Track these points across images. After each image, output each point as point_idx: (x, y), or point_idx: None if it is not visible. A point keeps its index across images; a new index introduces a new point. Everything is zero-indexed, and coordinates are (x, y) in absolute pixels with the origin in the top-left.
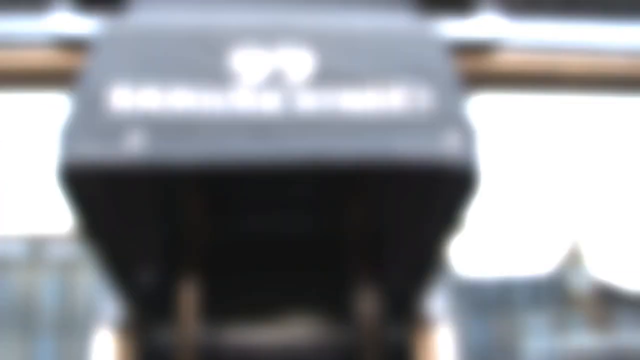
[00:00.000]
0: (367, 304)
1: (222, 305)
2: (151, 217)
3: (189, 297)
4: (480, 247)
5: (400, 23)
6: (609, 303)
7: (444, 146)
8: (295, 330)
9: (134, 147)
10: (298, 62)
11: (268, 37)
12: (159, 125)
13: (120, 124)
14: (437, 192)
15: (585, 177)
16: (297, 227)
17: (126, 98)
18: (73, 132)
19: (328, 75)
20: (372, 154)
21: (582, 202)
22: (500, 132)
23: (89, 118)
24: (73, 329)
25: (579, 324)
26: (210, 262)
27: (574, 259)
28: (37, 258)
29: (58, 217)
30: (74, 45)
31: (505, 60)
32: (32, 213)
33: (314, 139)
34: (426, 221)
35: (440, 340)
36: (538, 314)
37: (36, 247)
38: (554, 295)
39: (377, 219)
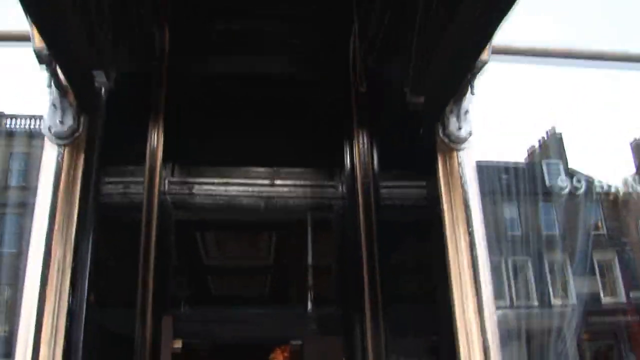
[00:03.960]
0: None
1: (194, 152)
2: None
3: (155, 141)
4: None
5: None
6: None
7: None
8: (280, 187)
9: None
10: None
11: None
12: None
13: None
14: None
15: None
16: (280, 68)
17: None
18: None
19: None
20: None
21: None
22: None
23: None
24: None
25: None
26: (184, 105)
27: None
28: None
29: None
30: None
31: None
32: None
33: None
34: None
35: (463, 162)
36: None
37: None
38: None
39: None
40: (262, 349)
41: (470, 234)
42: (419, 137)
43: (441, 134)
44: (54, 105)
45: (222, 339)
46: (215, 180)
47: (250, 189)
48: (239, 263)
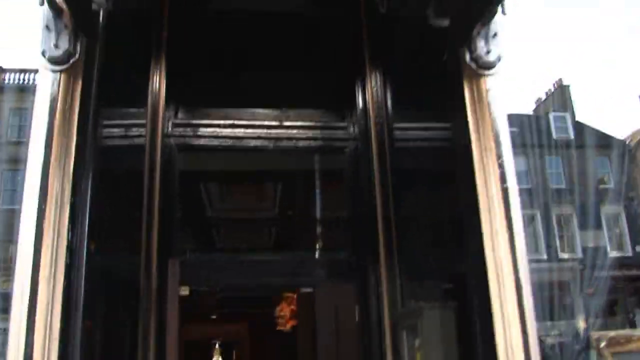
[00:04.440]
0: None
1: (199, 92)
2: None
3: (157, 81)
4: None
5: None
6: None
7: None
8: (288, 128)
9: None
10: None
11: None
12: None
13: None
14: None
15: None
16: (287, 3)
17: None
18: None
19: None
20: None
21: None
22: None
23: None
24: None
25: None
26: (187, 43)
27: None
28: None
29: None
30: None
31: None
32: None
33: None
34: None
35: (492, 89)
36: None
37: None
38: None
39: None
40: (270, 301)
41: (501, 165)
42: (438, 69)
43: (468, 59)
44: (47, 27)
45: (230, 285)
46: (221, 122)
47: (257, 130)
48: (247, 209)
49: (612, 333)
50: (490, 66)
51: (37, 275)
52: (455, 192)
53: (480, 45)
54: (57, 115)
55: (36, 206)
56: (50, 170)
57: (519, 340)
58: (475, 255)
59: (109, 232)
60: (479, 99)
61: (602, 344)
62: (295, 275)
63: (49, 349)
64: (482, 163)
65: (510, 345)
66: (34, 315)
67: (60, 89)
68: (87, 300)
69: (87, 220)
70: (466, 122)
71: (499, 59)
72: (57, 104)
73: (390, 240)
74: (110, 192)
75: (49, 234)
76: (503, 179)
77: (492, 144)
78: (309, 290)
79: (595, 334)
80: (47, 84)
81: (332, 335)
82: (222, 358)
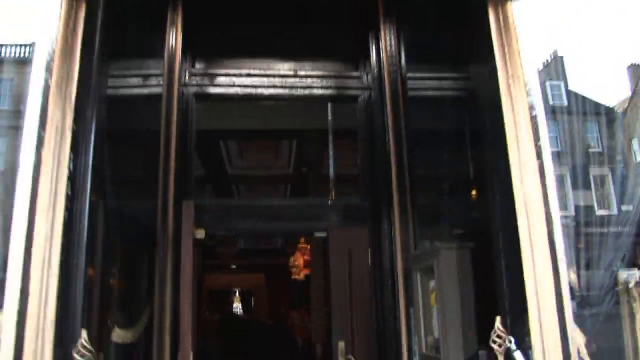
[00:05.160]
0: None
1: (215, 43)
2: None
3: (174, 31)
4: None
5: None
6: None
7: None
8: (303, 77)
9: None
10: None
11: None
12: None
13: None
14: None
15: None
16: None
17: None
18: None
19: None
20: None
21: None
22: None
23: None
24: None
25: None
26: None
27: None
28: None
29: None
30: None
31: None
32: None
33: None
34: None
35: (518, 13)
36: None
37: None
38: None
39: None
40: (285, 253)
41: (529, 92)
42: (455, 5)
43: None
44: None
45: (247, 229)
46: (238, 71)
47: (273, 79)
48: (263, 161)
49: None
50: None
51: (35, 205)
52: (473, 137)
53: None
54: (59, 37)
55: (35, 133)
56: (50, 96)
57: (549, 279)
58: (501, 187)
59: (126, 175)
60: (505, 24)
61: (631, 284)
62: (310, 220)
63: (47, 284)
64: (508, 90)
65: (540, 284)
66: (31, 246)
67: (63, 10)
68: (91, 228)
69: (92, 150)
70: (492, 49)
71: None
72: (59, 27)
73: (403, 185)
74: (127, 140)
75: (48, 162)
76: (531, 107)
77: (520, 71)
78: (322, 235)
79: (623, 273)
80: (48, 7)
81: (344, 279)
82: (242, 304)
